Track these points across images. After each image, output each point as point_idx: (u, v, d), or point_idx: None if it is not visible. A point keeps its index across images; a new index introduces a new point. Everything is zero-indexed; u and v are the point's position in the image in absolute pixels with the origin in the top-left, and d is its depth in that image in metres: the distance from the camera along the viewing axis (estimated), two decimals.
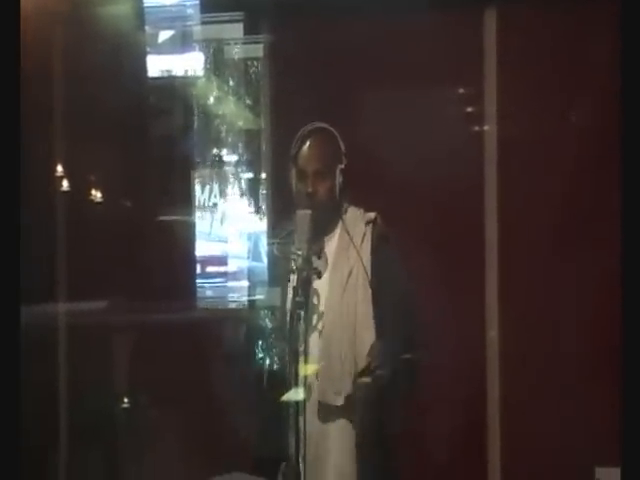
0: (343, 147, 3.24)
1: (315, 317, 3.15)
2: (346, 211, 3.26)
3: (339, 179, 3.20)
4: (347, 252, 3.18)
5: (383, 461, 3.16)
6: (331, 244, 3.22)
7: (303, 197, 3.17)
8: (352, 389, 3.11)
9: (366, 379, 3.09)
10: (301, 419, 2.92)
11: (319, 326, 3.15)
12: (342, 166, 3.22)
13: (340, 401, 3.11)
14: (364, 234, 3.21)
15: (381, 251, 3.20)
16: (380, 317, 3.14)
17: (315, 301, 3.14)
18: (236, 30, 4.93)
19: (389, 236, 3.25)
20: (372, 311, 3.14)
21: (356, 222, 3.23)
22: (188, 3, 4.98)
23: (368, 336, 3.12)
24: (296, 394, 2.93)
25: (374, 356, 3.06)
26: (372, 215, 3.25)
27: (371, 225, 3.23)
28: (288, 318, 3.04)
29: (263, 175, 4.85)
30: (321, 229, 3.16)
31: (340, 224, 3.22)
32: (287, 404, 2.98)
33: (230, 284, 4.87)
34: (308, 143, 3.24)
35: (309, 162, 3.21)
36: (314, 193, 3.16)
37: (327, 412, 3.13)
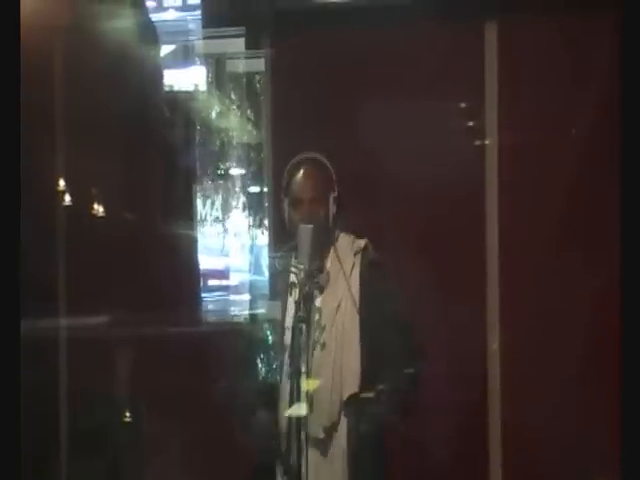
0: (335, 176, 3.24)
1: (317, 333, 3.14)
2: (337, 238, 3.25)
3: (333, 208, 3.21)
4: (337, 282, 3.17)
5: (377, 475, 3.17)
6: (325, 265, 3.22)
7: (298, 223, 3.16)
8: (336, 419, 3.11)
9: (354, 407, 3.10)
10: (302, 434, 2.93)
11: (321, 340, 3.14)
12: (335, 194, 3.22)
13: (322, 434, 3.11)
14: (353, 264, 3.20)
15: (370, 280, 3.18)
16: (370, 346, 3.14)
17: (317, 317, 3.14)
18: (238, 45, 4.95)
19: (380, 263, 3.24)
20: (359, 342, 3.13)
21: (346, 252, 3.22)
22: (190, 18, 5.01)
23: (354, 366, 3.11)
24: (298, 409, 2.93)
25: (361, 385, 3.08)
26: (362, 243, 3.24)
27: (360, 254, 3.22)
28: (290, 332, 3.04)
29: (264, 189, 4.86)
30: (320, 247, 3.16)
31: (332, 252, 3.22)
32: (289, 419, 2.99)
33: (232, 297, 4.88)
34: (301, 172, 3.23)
35: (304, 190, 3.20)
36: (310, 218, 3.16)
37: (318, 434, 3.12)
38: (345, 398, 3.10)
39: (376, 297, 3.16)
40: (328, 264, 3.20)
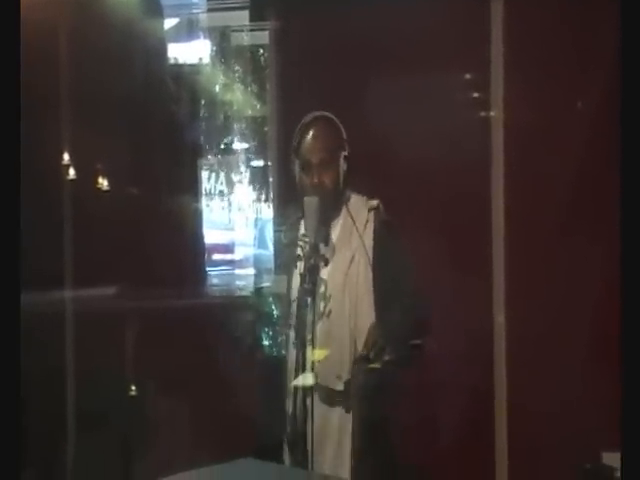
0: (345, 134, 3.24)
1: (322, 304, 3.15)
2: (349, 198, 3.26)
3: (343, 167, 3.21)
4: (350, 238, 3.19)
5: (382, 447, 3.18)
6: (335, 230, 3.22)
7: (308, 187, 3.18)
8: (346, 375, 3.13)
9: (366, 364, 3.10)
10: (308, 403, 2.95)
11: (326, 312, 3.16)
12: (345, 153, 3.22)
13: (340, 386, 3.12)
14: (367, 220, 3.22)
15: (383, 237, 3.21)
16: (382, 302, 3.15)
17: (322, 287, 3.15)
18: (242, 17, 4.93)
19: (392, 222, 3.26)
20: (373, 296, 3.15)
21: (359, 209, 3.24)
22: None
23: (369, 321, 3.13)
24: (304, 379, 2.95)
25: (374, 341, 3.07)
26: (375, 202, 3.26)
27: (374, 212, 3.23)
28: (295, 305, 3.06)
29: (269, 162, 4.85)
30: (327, 216, 3.16)
31: (344, 210, 3.23)
32: (295, 389, 3.00)
33: (237, 271, 4.89)
34: (311, 133, 3.23)
35: (313, 152, 3.21)
36: (320, 183, 3.17)
37: (328, 396, 3.14)
38: (361, 353, 3.11)
39: (389, 254, 3.19)
40: (339, 223, 3.22)
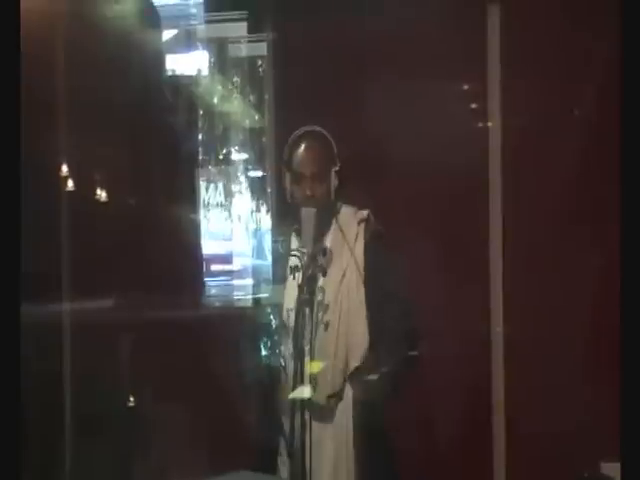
0: (336, 149, 3.25)
1: (320, 314, 3.15)
2: (340, 210, 3.27)
3: (334, 182, 3.22)
4: (341, 252, 3.19)
5: (381, 458, 3.18)
6: (327, 244, 3.22)
7: (301, 200, 3.18)
8: (340, 388, 3.14)
9: (359, 378, 3.11)
10: (306, 416, 2.95)
11: (324, 320, 3.15)
12: (336, 168, 3.23)
13: (329, 401, 3.14)
14: (357, 234, 3.22)
15: (374, 250, 3.21)
16: (375, 316, 3.16)
17: (320, 298, 3.15)
18: (240, 29, 4.95)
19: (383, 233, 3.26)
20: (365, 311, 3.16)
21: (349, 221, 3.24)
22: (192, 2, 4.99)
23: (361, 336, 3.14)
24: (301, 391, 2.95)
25: (367, 356, 3.09)
26: (364, 213, 3.26)
27: (364, 224, 3.24)
28: (294, 316, 3.05)
29: (267, 173, 4.86)
30: (321, 228, 3.16)
31: (334, 223, 3.24)
32: (292, 400, 3.00)
33: (235, 282, 4.88)
34: (303, 146, 3.25)
35: (306, 165, 3.22)
36: (312, 195, 3.18)
37: (322, 411, 3.14)
38: (351, 369, 3.13)
39: (380, 266, 3.18)
40: (330, 237, 3.22)
